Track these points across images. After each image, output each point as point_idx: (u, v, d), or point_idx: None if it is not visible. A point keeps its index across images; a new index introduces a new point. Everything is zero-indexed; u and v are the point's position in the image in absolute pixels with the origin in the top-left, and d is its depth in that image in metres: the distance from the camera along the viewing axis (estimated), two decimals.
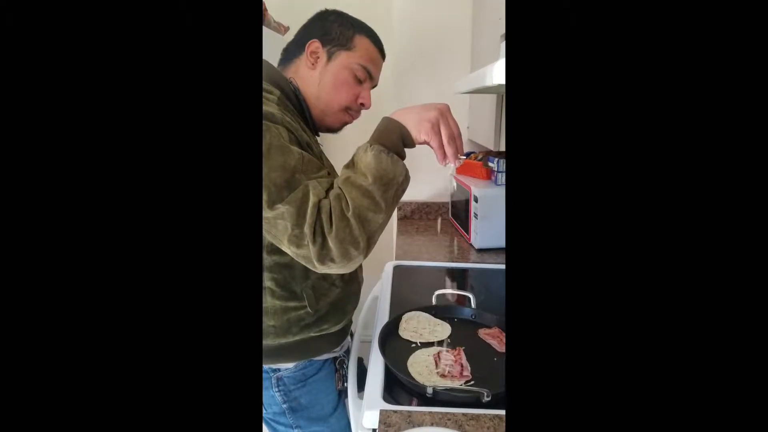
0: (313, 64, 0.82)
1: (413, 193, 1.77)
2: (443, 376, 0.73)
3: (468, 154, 1.63)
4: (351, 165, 0.70)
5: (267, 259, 0.75)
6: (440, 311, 0.95)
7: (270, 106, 0.70)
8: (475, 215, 1.39)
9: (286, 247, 0.67)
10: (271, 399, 0.84)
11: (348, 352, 0.95)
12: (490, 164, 1.49)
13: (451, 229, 1.66)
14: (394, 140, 0.70)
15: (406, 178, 0.71)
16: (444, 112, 0.71)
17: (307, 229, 0.63)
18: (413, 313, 0.93)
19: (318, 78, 0.82)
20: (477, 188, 1.39)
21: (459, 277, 1.25)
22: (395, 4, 1.67)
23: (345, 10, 0.86)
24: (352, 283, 0.87)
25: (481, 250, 1.42)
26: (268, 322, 0.78)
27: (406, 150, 0.73)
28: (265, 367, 0.82)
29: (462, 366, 0.75)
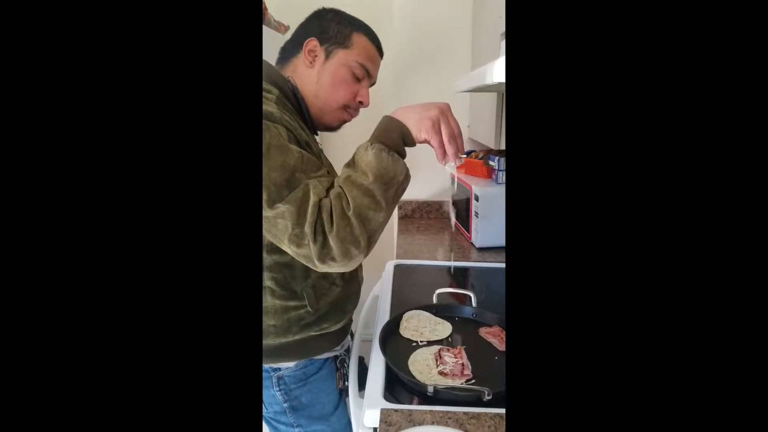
0: (311, 63, 0.82)
1: (414, 192, 1.77)
2: (444, 374, 0.73)
3: (469, 153, 1.63)
4: (351, 164, 0.70)
5: (267, 259, 0.75)
6: (441, 310, 0.95)
7: (269, 105, 0.70)
8: (476, 214, 1.39)
9: (286, 247, 0.67)
10: (272, 398, 0.84)
11: (349, 351, 0.95)
12: (491, 163, 1.49)
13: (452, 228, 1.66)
14: (394, 139, 0.70)
15: (407, 177, 0.71)
16: (445, 111, 0.71)
17: (307, 228, 0.63)
18: (414, 312, 0.93)
19: (316, 76, 0.82)
20: (478, 187, 1.38)
21: (460, 276, 1.25)
22: (395, 3, 1.67)
23: (345, 9, 0.86)
24: (353, 282, 0.87)
25: (481, 249, 1.42)
26: (268, 321, 0.78)
27: (406, 149, 0.73)
28: (266, 366, 0.82)
29: (463, 365, 0.75)
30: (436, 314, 0.93)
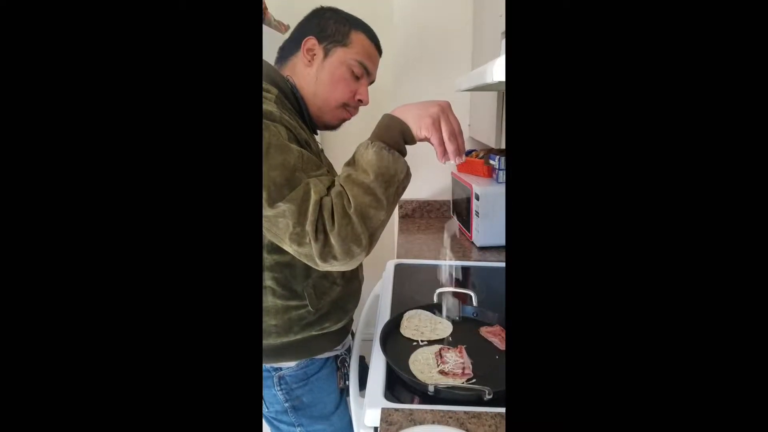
0: (309, 62, 0.82)
1: (414, 192, 1.77)
2: (445, 374, 0.73)
3: (469, 152, 1.63)
4: (352, 162, 0.70)
5: (267, 259, 0.75)
6: (441, 309, 0.94)
7: (268, 104, 0.70)
8: (477, 213, 1.39)
9: (287, 246, 0.67)
10: (273, 398, 0.84)
11: (349, 350, 0.95)
12: (492, 162, 1.49)
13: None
14: (395, 137, 0.70)
15: (408, 175, 0.70)
16: (445, 109, 0.71)
17: (308, 227, 0.63)
18: (414, 311, 0.93)
19: (315, 75, 0.82)
20: (478, 186, 1.38)
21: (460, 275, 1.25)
22: (395, 2, 1.67)
23: (346, 8, 0.86)
24: (353, 281, 0.87)
25: (482, 248, 1.42)
26: (269, 321, 0.78)
27: (407, 147, 0.72)
28: (267, 366, 0.82)
29: (463, 364, 0.75)
30: (436, 313, 0.93)
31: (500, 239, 1.41)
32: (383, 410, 0.66)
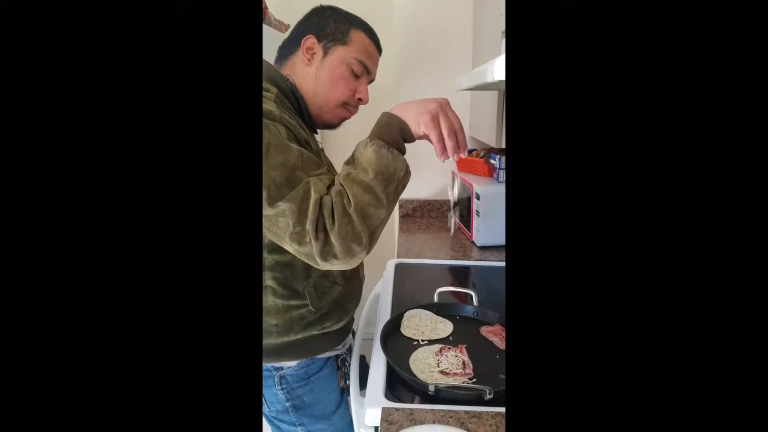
0: (309, 60, 0.82)
1: (414, 191, 1.77)
2: (445, 373, 0.73)
3: (470, 152, 1.63)
4: (352, 161, 0.70)
5: (268, 258, 0.75)
6: (442, 309, 0.94)
7: (268, 104, 0.70)
8: (477, 212, 1.39)
9: (287, 245, 0.67)
10: (274, 397, 0.84)
11: (350, 350, 0.95)
12: (492, 161, 1.49)
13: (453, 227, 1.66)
14: (393, 135, 0.70)
15: (407, 173, 0.70)
16: (443, 106, 0.71)
17: (309, 226, 0.63)
18: (415, 310, 0.93)
19: (314, 74, 0.82)
20: (479, 185, 1.38)
21: (461, 275, 1.25)
22: (396, 2, 1.66)
23: (346, 7, 0.86)
24: (354, 280, 0.87)
25: (483, 248, 1.42)
26: (270, 321, 0.78)
27: (406, 146, 0.72)
28: (268, 365, 0.82)
29: (464, 363, 0.75)
30: (437, 313, 0.93)
31: (501, 239, 1.41)
32: (384, 410, 0.66)
